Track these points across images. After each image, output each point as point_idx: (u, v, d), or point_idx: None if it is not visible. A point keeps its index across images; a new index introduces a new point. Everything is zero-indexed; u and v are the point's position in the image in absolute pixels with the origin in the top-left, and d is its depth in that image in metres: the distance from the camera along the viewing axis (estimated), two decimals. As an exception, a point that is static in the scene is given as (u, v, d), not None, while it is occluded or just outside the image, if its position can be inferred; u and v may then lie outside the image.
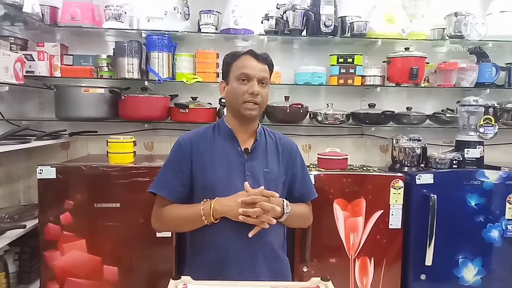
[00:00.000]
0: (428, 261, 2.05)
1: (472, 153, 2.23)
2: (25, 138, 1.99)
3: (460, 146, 2.28)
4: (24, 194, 2.40)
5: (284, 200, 1.33)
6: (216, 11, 2.36)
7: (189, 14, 2.36)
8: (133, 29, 2.34)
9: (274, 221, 1.25)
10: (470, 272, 2.13)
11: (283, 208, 1.30)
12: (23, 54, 2.08)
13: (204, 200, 1.28)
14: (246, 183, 1.27)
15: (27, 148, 2.01)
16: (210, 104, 2.43)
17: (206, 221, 1.26)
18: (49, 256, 1.88)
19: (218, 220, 1.26)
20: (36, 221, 1.92)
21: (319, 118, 2.42)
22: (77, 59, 2.36)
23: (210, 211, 1.25)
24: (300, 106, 2.38)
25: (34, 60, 2.18)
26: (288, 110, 2.35)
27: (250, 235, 1.24)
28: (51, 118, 2.37)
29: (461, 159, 2.22)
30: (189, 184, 1.34)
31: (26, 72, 2.11)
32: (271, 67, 1.38)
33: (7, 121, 2.18)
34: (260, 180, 1.32)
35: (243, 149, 1.35)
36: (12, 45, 2.14)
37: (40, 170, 1.85)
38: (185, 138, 1.38)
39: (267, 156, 1.37)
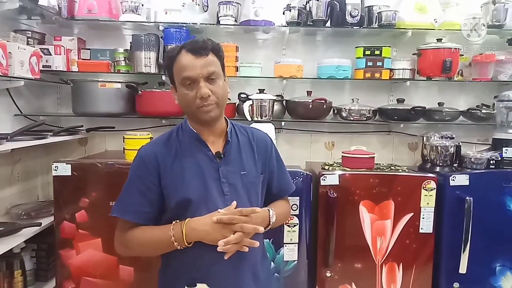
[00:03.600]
0: (462, 269, 1.93)
1: (511, 152, 2.07)
2: (42, 134, 1.95)
3: (498, 144, 2.14)
4: (42, 190, 2.38)
5: (270, 210, 1.22)
6: (236, 2, 2.27)
7: (207, 6, 2.28)
8: (151, 22, 2.29)
9: (257, 243, 1.13)
10: (509, 281, 1.99)
11: (269, 219, 1.21)
12: (40, 48, 2.05)
13: (174, 222, 1.15)
14: (234, 203, 1.14)
15: (45, 143, 1.98)
16: (229, 99, 2.35)
17: (178, 246, 1.13)
18: (65, 255, 1.85)
19: (192, 244, 1.13)
20: (52, 218, 1.88)
21: (344, 114, 2.31)
22: (94, 53, 2.32)
23: (182, 236, 1.11)
24: (323, 101, 2.28)
25: (50, 54, 2.15)
26: (310, 106, 2.25)
27: (226, 257, 1.12)
28: (69, 113, 2.34)
29: (499, 158, 2.07)
30: (159, 202, 1.18)
31: (43, 66, 2.08)
32: (217, 53, 1.17)
33: (25, 117, 2.17)
34: (237, 186, 1.19)
35: (214, 153, 1.21)
36: (29, 39, 2.11)
37: (55, 167, 1.81)
38: (147, 151, 1.21)
39: (242, 157, 1.23)
